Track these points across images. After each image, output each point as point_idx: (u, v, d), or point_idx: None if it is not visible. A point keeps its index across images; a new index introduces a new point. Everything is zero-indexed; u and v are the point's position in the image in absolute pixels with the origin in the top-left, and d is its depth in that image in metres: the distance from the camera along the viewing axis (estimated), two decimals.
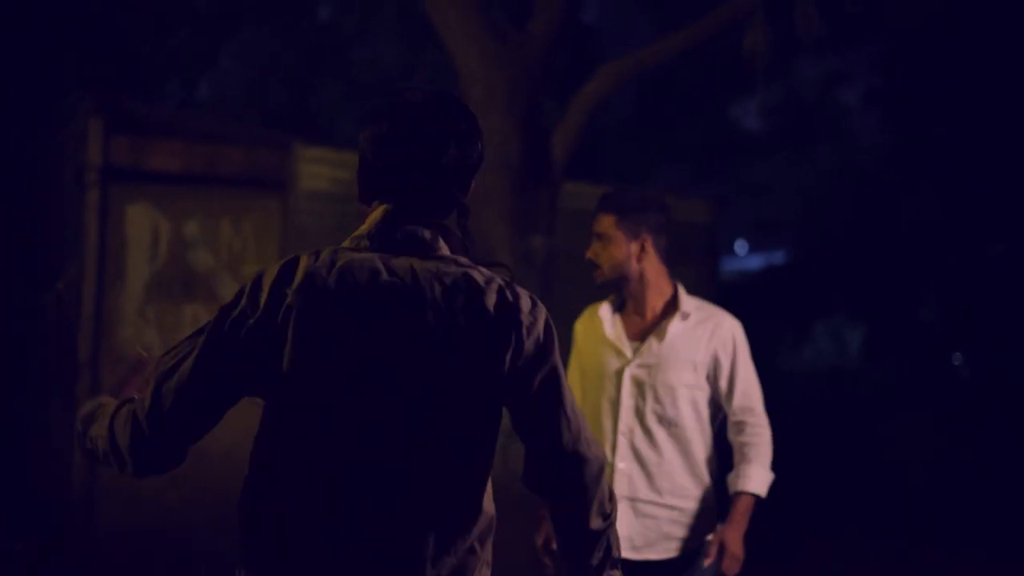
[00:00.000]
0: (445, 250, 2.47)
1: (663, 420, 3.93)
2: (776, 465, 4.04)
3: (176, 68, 11.83)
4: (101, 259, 8.31)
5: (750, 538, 3.95)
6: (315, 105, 11.32)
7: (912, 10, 8.45)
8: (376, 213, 2.51)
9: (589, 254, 4.01)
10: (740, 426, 4.02)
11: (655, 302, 4.06)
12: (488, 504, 2.40)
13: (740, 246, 34.54)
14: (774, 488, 4.05)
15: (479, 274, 2.45)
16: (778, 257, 27.76)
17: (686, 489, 3.94)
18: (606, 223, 3.97)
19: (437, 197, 2.53)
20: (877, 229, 20.68)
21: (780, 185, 25.08)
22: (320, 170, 8.63)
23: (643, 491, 3.93)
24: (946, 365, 20.42)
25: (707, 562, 3.89)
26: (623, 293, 4.08)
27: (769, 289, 24.13)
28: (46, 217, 8.93)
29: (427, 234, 2.47)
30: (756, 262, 30.34)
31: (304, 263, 2.41)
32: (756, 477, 3.96)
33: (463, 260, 2.46)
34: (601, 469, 2.47)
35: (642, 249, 3.98)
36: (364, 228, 2.51)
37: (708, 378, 4.01)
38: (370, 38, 11.00)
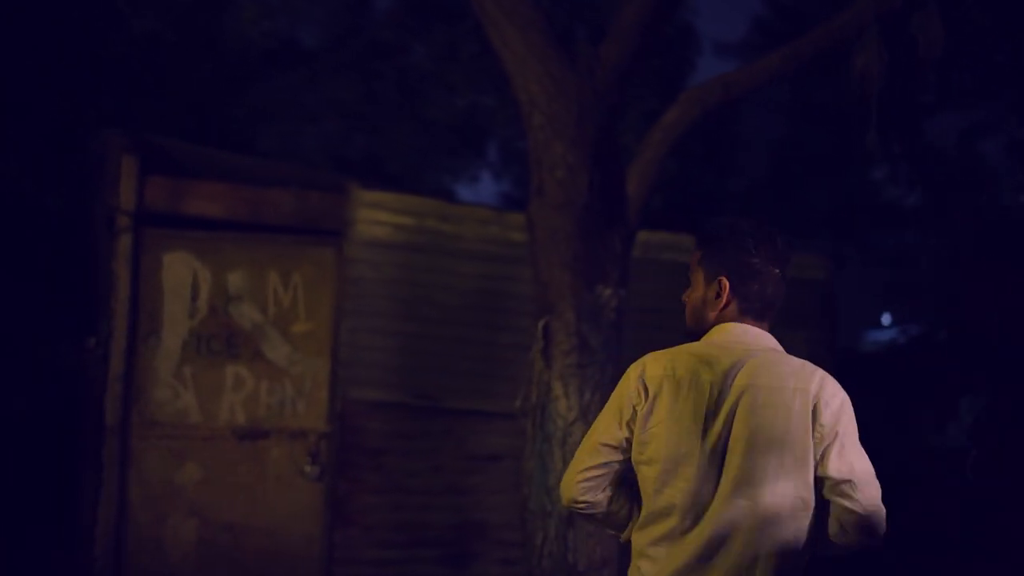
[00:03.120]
0: None
1: None
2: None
3: (260, 116, 11.14)
4: (133, 313, 7.53)
5: None
6: (391, 150, 10.54)
7: None
8: None
9: (684, 298, 3.40)
10: None
11: None
12: None
13: (885, 318, 33.38)
14: None
15: None
16: (912, 330, 26.49)
17: None
18: (692, 259, 3.36)
19: None
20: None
21: (921, 254, 23.77)
22: (380, 215, 7.76)
23: None
24: None
25: None
26: None
27: (909, 362, 22.91)
28: (86, 268, 8.16)
29: None
30: (893, 334, 29.00)
31: None
32: None
33: None
34: None
35: (717, 295, 3.25)
36: None
37: None
38: (451, 79, 10.20)
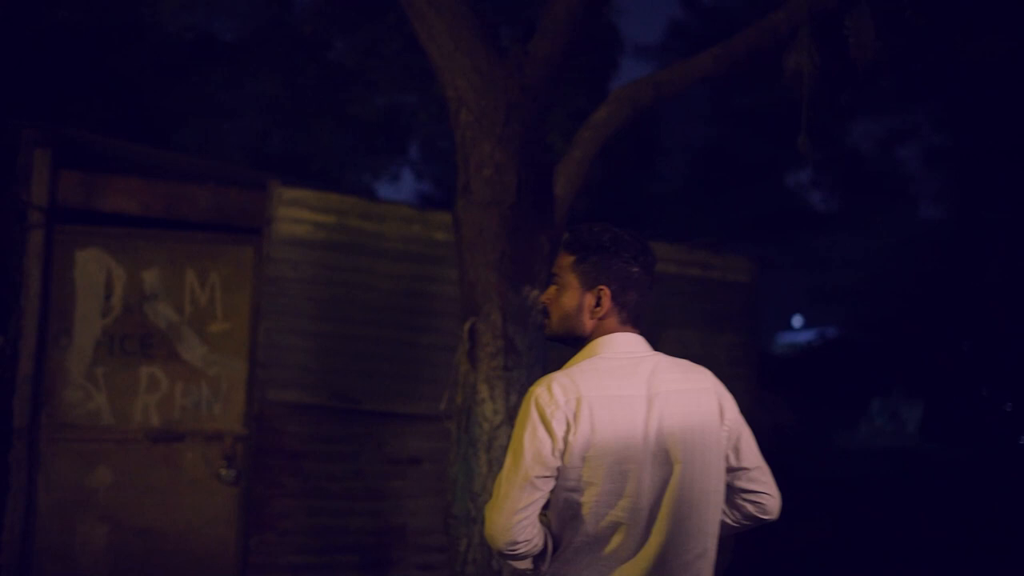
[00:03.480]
0: None
1: None
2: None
3: (175, 114, 10.86)
4: (44, 312, 7.28)
5: None
6: (312, 147, 10.30)
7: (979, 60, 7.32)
8: None
9: (543, 298, 3.34)
10: None
11: None
12: None
13: (797, 320, 33.71)
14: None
15: None
16: (829, 332, 26.84)
17: None
18: (562, 264, 3.30)
19: None
20: (938, 302, 20.01)
21: (837, 258, 24.07)
22: (300, 213, 7.58)
23: None
24: (1013, 446, 19.37)
25: None
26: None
27: (820, 364, 23.29)
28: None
29: None
30: (810, 336, 29.30)
31: None
32: None
33: None
34: None
35: (597, 303, 3.24)
36: None
37: None
38: (373, 76, 10.00)
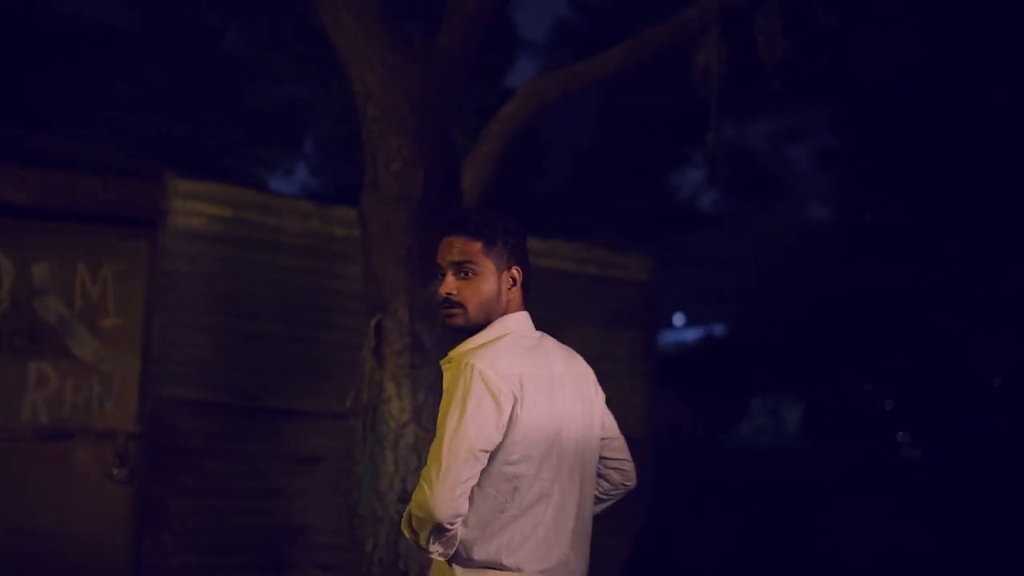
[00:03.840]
0: None
1: None
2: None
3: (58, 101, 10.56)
4: None
5: None
6: (209, 140, 10.08)
7: (873, 68, 7.42)
8: None
9: (447, 289, 3.28)
10: None
11: None
12: None
13: (678, 318, 34.06)
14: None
15: None
16: (717, 330, 27.15)
17: None
18: (473, 250, 3.28)
19: None
20: (820, 303, 20.35)
21: (720, 257, 24.36)
22: (196, 206, 7.40)
23: None
24: (891, 445, 19.76)
25: None
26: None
27: (707, 363, 23.53)
28: None
29: None
30: (692, 335, 29.63)
31: None
32: None
33: None
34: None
35: (513, 283, 3.34)
36: None
37: None
38: (271, 69, 9.81)
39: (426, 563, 5.68)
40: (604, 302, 8.69)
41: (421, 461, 5.76)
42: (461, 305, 3.27)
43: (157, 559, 7.24)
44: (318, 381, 7.73)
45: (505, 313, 3.31)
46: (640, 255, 9.05)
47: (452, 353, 3.29)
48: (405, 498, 5.73)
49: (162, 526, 7.27)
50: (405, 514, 3.21)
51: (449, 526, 3.13)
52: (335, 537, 7.73)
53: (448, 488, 3.08)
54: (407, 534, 3.23)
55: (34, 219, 7.23)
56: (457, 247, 3.27)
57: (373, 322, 5.87)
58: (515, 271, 3.32)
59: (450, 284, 3.27)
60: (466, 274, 3.26)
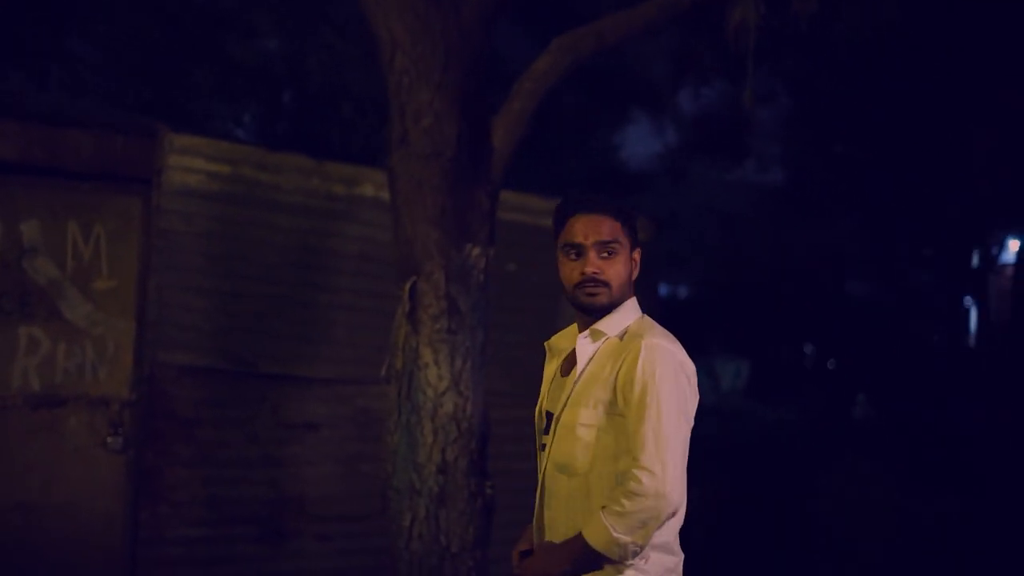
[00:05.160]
0: None
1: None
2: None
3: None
4: None
5: None
6: (188, 93, 9.66)
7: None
8: None
9: (592, 269, 3.24)
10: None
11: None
12: None
13: None
14: None
15: None
16: (683, 291, 27.25)
17: None
18: (615, 229, 3.30)
19: None
20: (761, 265, 20.41)
21: (678, 220, 24.30)
22: (193, 162, 7.07)
23: None
24: (838, 404, 19.89)
25: None
26: (581, 319, 3.35)
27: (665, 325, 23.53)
28: None
29: None
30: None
31: None
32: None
33: None
34: None
35: (635, 265, 3.40)
36: None
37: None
38: (251, 19, 9.43)
39: (467, 538, 5.47)
40: None
41: (461, 431, 5.53)
42: (608, 284, 3.25)
43: (154, 531, 6.96)
44: (315, 345, 7.47)
45: (632, 294, 3.36)
46: (641, 216, 8.83)
47: (602, 328, 3.27)
48: (444, 469, 5.49)
49: (159, 497, 6.98)
50: (610, 520, 3.03)
51: (674, 513, 3.07)
52: (334, 506, 7.52)
53: (680, 470, 3.06)
54: (623, 539, 3.03)
55: (23, 175, 6.85)
56: (606, 226, 3.27)
57: (407, 285, 5.60)
58: (636, 254, 3.36)
59: (596, 263, 3.24)
60: (609, 254, 3.26)
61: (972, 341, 23.87)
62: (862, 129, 16.26)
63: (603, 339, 3.24)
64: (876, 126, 15.84)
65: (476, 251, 5.68)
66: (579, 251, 3.24)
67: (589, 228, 3.24)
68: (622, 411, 3.11)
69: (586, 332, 3.26)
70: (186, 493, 7.07)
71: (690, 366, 3.23)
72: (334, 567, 7.43)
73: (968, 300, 22.91)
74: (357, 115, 9.41)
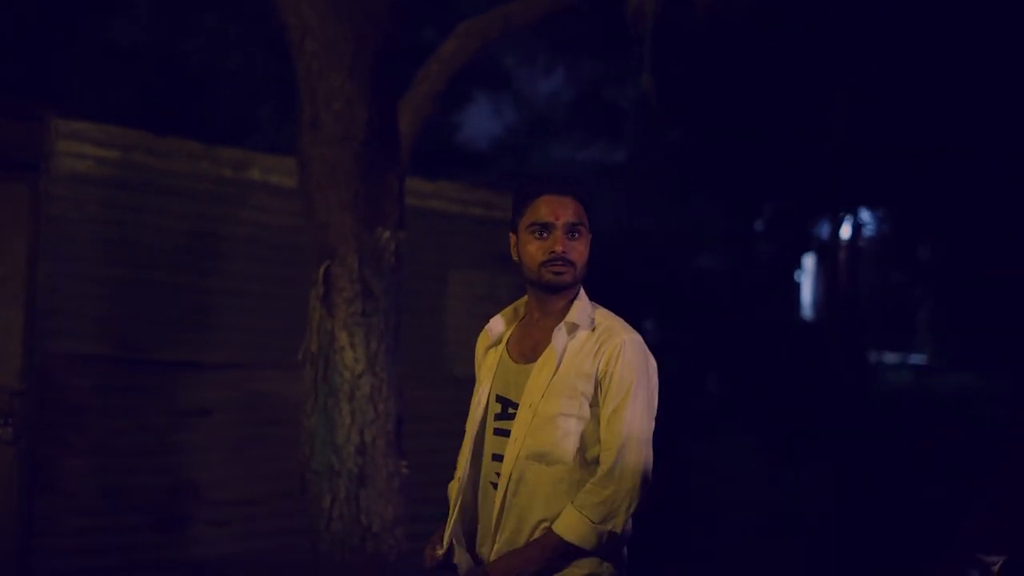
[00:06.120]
0: None
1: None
2: None
3: None
4: None
5: None
6: (63, 76, 9.42)
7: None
8: None
9: (563, 248, 3.25)
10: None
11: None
12: None
13: None
14: None
15: None
16: None
17: None
18: (580, 212, 3.33)
19: None
20: (607, 243, 20.61)
21: None
22: (82, 147, 6.95)
23: None
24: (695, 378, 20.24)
25: None
26: (541, 298, 3.36)
27: None
28: None
29: None
30: None
31: None
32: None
33: None
34: None
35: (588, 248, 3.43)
36: None
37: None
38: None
39: (387, 517, 5.55)
40: (488, 244, 8.55)
41: (378, 412, 5.60)
42: (573, 264, 3.28)
43: (49, 523, 6.84)
44: (206, 331, 7.43)
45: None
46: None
47: (575, 320, 3.32)
48: (363, 450, 5.56)
49: (53, 488, 6.87)
50: (587, 512, 3.16)
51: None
52: (229, 492, 7.49)
53: (651, 460, 3.27)
54: (601, 528, 3.16)
55: None
56: (572, 208, 3.29)
57: (321, 269, 5.63)
58: (590, 235, 3.38)
59: (564, 243, 3.26)
60: (575, 235, 3.29)
61: (806, 314, 24.73)
62: (717, 106, 16.62)
63: (577, 331, 3.29)
64: (732, 104, 16.20)
65: (387, 234, 5.75)
66: (547, 230, 3.26)
67: (558, 208, 3.26)
68: (602, 403, 3.21)
69: (561, 325, 3.28)
70: (80, 482, 6.97)
71: (654, 360, 3.34)
72: (231, 552, 7.41)
73: (799, 274, 23.71)
74: (245, 99, 9.34)
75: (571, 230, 3.27)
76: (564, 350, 3.26)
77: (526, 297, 3.41)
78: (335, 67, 5.64)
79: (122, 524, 7.13)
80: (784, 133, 15.65)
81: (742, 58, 14.23)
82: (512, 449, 3.25)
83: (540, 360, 3.28)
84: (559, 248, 3.24)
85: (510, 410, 3.31)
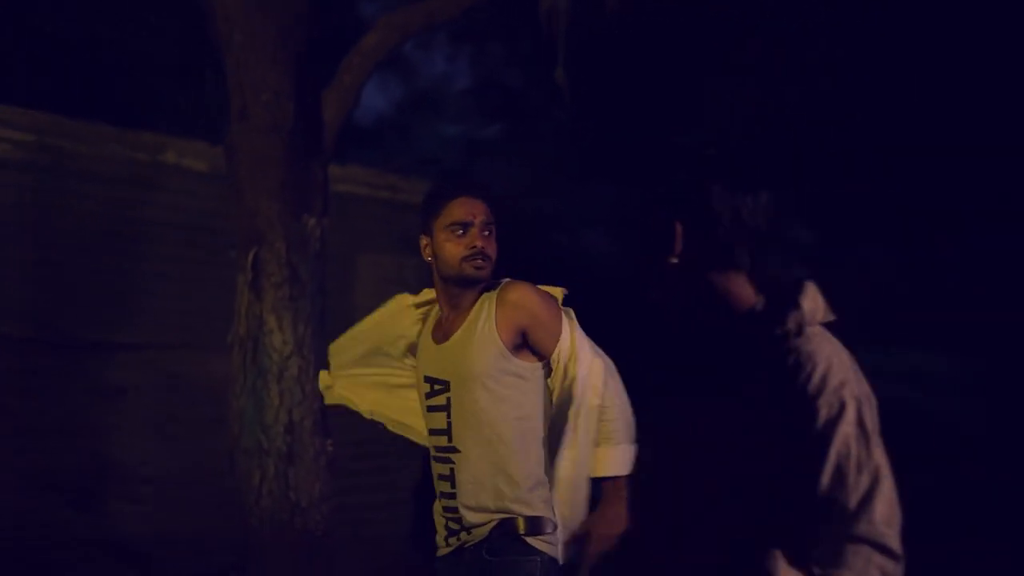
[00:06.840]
0: None
1: None
2: None
3: None
4: None
5: None
6: None
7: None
8: None
9: (484, 244, 3.47)
10: None
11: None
12: None
13: None
14: None
15: None
16: None
17: None
18: (489, 212, 3.55)
19: None
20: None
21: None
22: (1, 132, 7.02)
23: None
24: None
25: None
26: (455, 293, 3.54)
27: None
28: None
29: None
30: None
31: None
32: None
33: None
34: None
35: None
36: None
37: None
38: None
39: (315, 493, 5.78)
40: (396, 227, 8.76)
41: (305, 393, 5.80)
42: (490, 259, 3.50)
43: None
44: (121, 312, 7.55)
45: None
46: (429, 181, 9.15)
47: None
48: (291, 429, 5.77)
49: None
50: (616, 441, 3.51)
51: None
52: (146, 469, 7.62)
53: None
54: (630, 447, 3.53)
55: None
56: (483, 209, 3.51)
57: (250, 255, 5.81)
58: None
59: (483, 240, 3.47)
60: (489, 233, 3.50)
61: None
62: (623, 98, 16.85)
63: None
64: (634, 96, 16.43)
65: (312, 221, 5.94)
66: (466, 228, 3.45)
67: (474, 208, 3.48)
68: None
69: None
70: (0, 464, 7.06)
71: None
72: (151, 530, 7.54)
73: None
74: (161, 84, 9.40)
75: (486, 228, 3.49)
76: (462, 325, 3.50)
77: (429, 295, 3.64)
78: (261, 59, 5.81)
79: (44, 504, 7.22)
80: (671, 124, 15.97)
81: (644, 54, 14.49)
82: (452, 424, 3.62)
83: (452, 339, 3.53)
84: (479, 243, 3.45)
85: (435, 388, 3.61)
